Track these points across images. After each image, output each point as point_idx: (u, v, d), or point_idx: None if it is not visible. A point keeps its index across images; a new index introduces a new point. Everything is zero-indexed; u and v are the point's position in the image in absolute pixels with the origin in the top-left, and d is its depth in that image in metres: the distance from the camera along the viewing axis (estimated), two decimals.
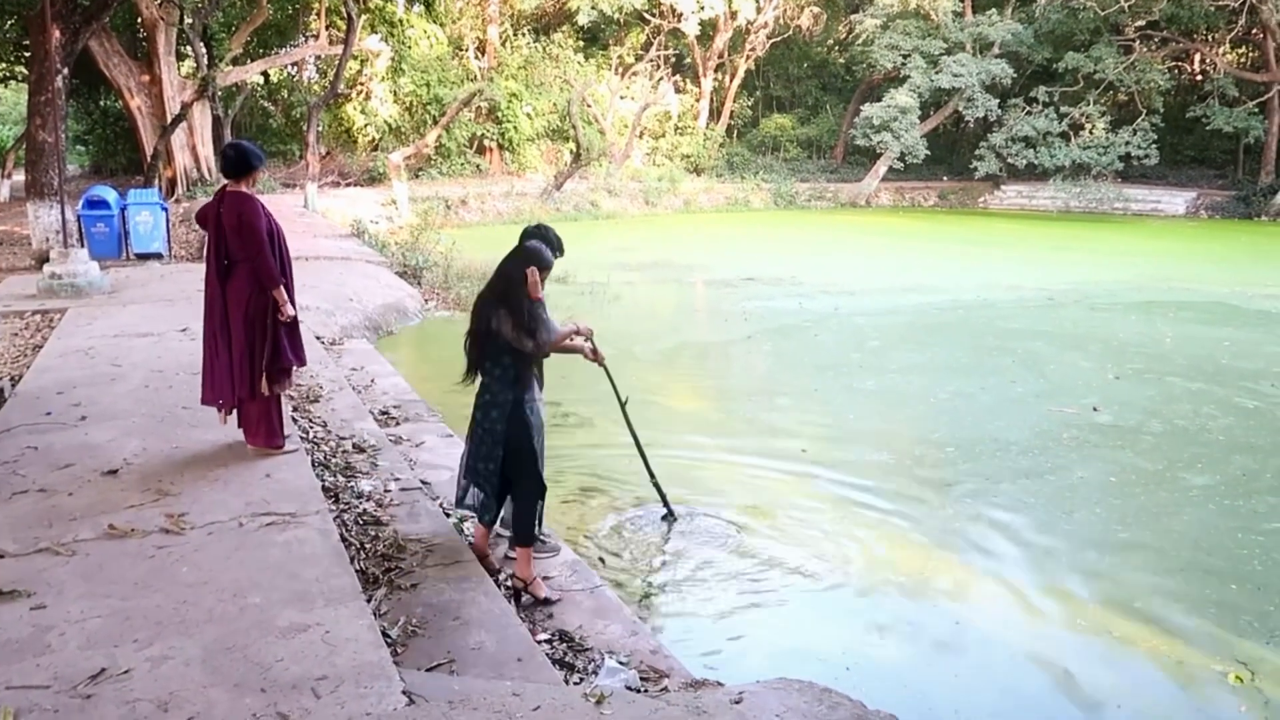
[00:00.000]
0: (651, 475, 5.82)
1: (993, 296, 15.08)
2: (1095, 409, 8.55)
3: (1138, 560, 5.59)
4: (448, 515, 5.20)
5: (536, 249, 4.42)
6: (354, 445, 6.17)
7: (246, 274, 5.21)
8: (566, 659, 3.98)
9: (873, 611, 5.01)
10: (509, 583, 4.46)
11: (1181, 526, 6.08)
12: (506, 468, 4.46)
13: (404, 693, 3.04)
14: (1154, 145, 31.42)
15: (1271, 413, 8.57)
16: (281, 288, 5.22)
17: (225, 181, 5.37)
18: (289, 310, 5.27)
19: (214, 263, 5.34)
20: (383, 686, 3.07)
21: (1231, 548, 5.74)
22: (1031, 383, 9.62)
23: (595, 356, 4.89)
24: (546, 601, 4.41)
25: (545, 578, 4.55)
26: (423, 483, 5.67)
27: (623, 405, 5.62)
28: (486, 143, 31.86)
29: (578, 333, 4.77)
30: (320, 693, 3.01)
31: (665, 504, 5.89)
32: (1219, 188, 32.31)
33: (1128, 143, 31.48)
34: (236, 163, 5.27)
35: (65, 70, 11.95)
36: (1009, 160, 32.82)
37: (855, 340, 11.69)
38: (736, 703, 3.07)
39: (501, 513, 4.67)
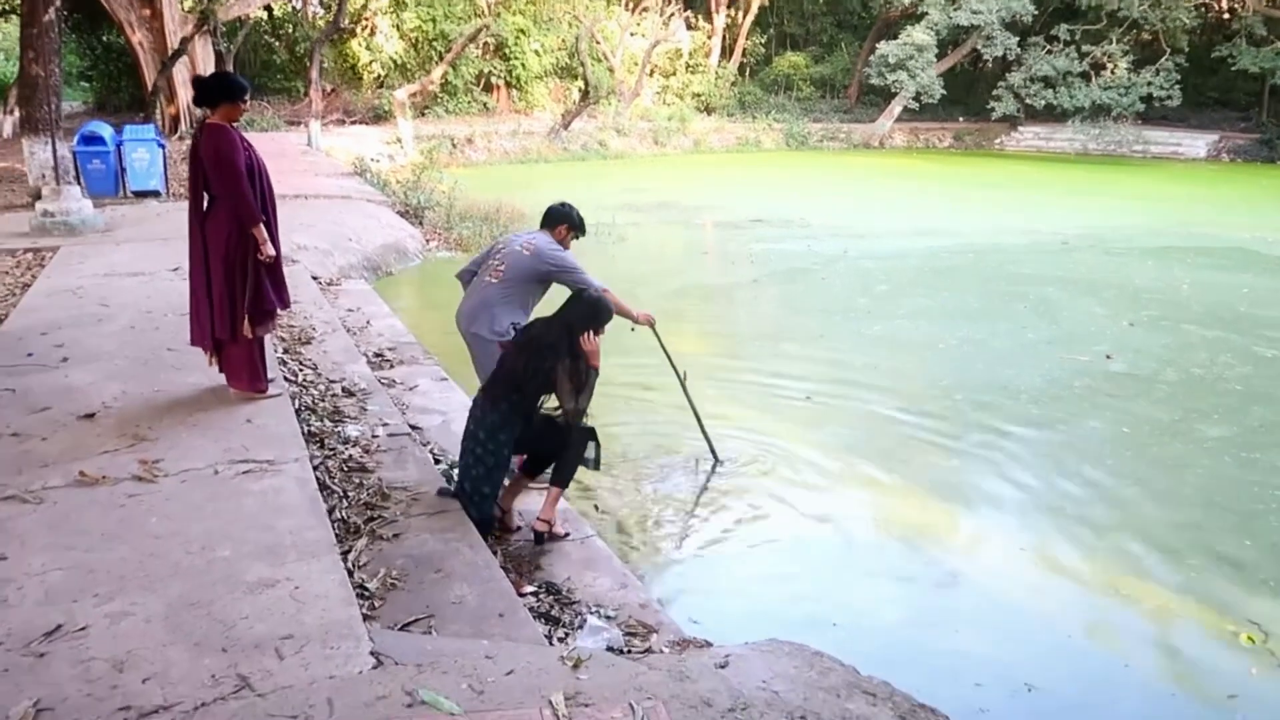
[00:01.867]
0: (703, 430, 5.81)
1: (1005, 240, 14.72)
2: (1108, 357, 8.31)
3: (1149, 515, 5.40)
4: (437, 462, 5.05)
5: (605, 306, 4.40)
6: (343, 389, 6.00)
7: (226, 212, 4.97)
8: (552, 613, 3.84)
9: (870, 563, 4.86)
10: (534, 527, 4.39)
11: (1195, 480, 5.89)
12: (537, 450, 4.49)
13: (372, 653, 2.89)
14: (1177, 86, 30.57)
15: None
16: (261, 226, 4.98)
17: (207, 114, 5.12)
18: (268, 250, 5.03)
19: (194, 200, 5.12)
20: (350, 647, 2.91)
21: (1247, 502, 5.55)
22: (1043, 329, 9.37)
23: (649, 323, 5.29)
24: (567, 536, 4.45)
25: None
26: (413, 427, 5.52)
27: (682, 381, 5.74)
28: (494, 80, 31.23)
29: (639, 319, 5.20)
30: (284, 653, 2.86)
31: (712, 450, 5.86)
32: (1241, 131, 31.56)
33: (1150, 83, 30.61)
34: (206, 90, 5.00)
35: (57, 2, 11.59)
36: (1027, 101, 32.05)
37: (863, 284, 11.43)
38: (722, 667, 2.91)
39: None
